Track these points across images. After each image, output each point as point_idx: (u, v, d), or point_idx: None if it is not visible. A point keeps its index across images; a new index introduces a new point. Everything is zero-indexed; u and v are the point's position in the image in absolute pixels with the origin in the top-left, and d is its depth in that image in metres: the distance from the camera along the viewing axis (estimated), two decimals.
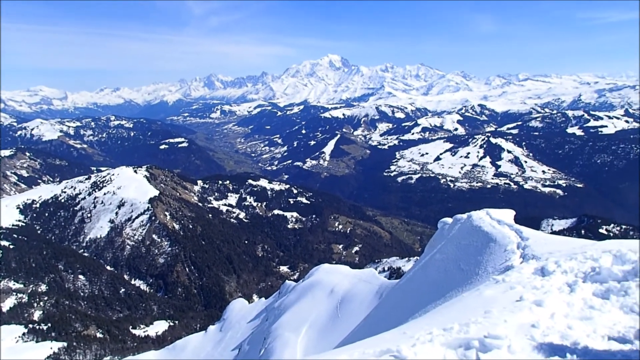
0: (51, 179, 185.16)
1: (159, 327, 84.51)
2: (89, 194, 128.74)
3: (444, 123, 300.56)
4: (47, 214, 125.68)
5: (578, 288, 7.61)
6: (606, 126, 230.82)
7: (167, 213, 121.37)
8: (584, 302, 7.02)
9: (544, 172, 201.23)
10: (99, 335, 73.43)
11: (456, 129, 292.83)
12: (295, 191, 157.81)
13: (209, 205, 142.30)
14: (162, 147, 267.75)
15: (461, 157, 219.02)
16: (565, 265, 9.08)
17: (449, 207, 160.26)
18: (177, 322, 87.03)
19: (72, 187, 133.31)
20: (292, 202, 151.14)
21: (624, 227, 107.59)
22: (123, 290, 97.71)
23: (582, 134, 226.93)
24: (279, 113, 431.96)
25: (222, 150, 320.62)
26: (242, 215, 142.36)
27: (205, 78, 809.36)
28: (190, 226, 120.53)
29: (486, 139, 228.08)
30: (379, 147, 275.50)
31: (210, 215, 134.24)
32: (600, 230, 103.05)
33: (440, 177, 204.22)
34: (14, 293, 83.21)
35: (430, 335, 6.25)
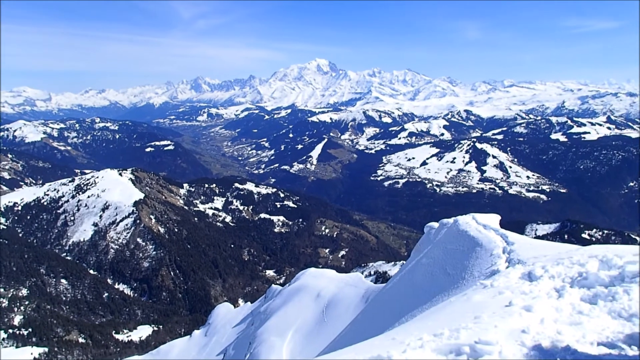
0: (34, 182, 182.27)
1: (143, 331, 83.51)
2: (73, 197, 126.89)
3: (430, 128, 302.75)
4: (29, 217, 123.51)
5: (566, 293, 7.64)
6: (589, 132, 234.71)
7: (152, 216, 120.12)
8: (573, 307, 7.05)
9: (528, 177, 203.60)
10: (81, 340, 72.29)
11: (442, 134, 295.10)
12: (282, 195, 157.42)
13: (195, 209, 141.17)
14: (148, 149, 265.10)
15: (447, 162, 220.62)
16: (552, 270, 9.13)
17: (435, 212, 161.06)
18: (161, 326, 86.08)
19: (55, 189, 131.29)
20: (278, 205, 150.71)
21: (605, 232, 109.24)
22: (106, 294, 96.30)
23: (566, 140, 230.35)
24: (267, 116, 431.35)
25: (209, 154, 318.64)
26: (228, 218, 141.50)
27: (193, 81, 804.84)
28: (176, 230, 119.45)
29: (472, 144, 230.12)
30: (366, 151, 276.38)
31: (196, 218, 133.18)
32: (583, 235, 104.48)
33: (426, 181, 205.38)
34: None
35: (421, 341, 6.20)
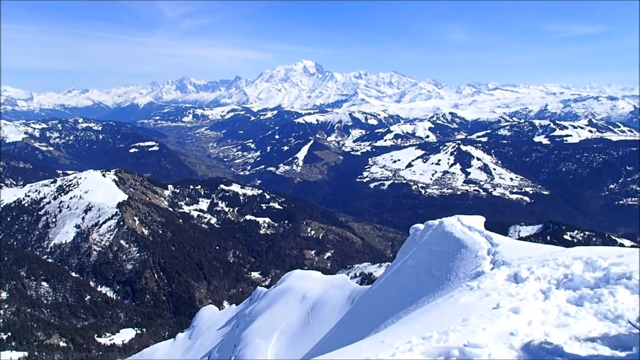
0: (14, 183, 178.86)
1: (126, 335, 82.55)
2: (54, 198, 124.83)
3: (415, 130, 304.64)
4: (9, 219, 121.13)
5: (552, 295, 7.67)
6: (571, 135, 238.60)
7: (136, 218, 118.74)
8: (559, 309, 7.07)
9: (511, 179, 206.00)
10: (62, 344, 71.10)
11: (428, 136, 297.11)
12: (267, 196, 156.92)
13: (180, 210, 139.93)
14: (132, 150, 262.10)
15: (432, 164, 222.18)
16: (538, 272, 9.16)
17: (420, 213, 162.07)
18: (144, 329, 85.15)
19: (36, 190, 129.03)
20: (264, 207, 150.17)
21: (587, 233, 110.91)
22: (88, 297, 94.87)
23: (549, 142, 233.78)
24: (253, 118, 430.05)
25: (194, 155, 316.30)
26: (213, 220, 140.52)
27: (178, 81, 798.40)
28: (160, 231, 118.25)
29: (456, 146, 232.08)
30: (352, 153, 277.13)
31: (180, 220, 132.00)
32: (565, 237, 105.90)
33: (411, 183, 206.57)
34: None
35: (410, 344, 6.16)
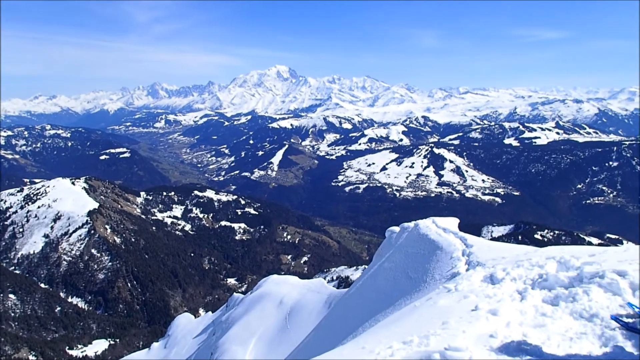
0: None
1: (99, 346, 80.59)
2: (22, 207, 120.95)
3: (389, 134, 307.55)
4: None
5: (528, 295, 7.76)
6: (539, 137, 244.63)
7: (107, 226, 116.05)
8: (536, 309, 7.16)
9: (483, 181, 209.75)
10: (31, 357, 68.80)
11: (401, 140, 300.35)
12: (243, 202, 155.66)
13: (153, 218, 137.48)
14: (103, 157, 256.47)
15: (406, 167, 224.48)
16: (513, 272, 9.27)
17: (395, 216, 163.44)
18: (118, 340, 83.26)
19: (2, 200, 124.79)
20: (239, 213, 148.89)
21: (556, 232, 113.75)
22: (59, 308, 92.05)
23: (518, 144, 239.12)
24: (226, 123, 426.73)
25: (167, 161, 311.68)
26: (187, 227, 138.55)
27: (149, 86, 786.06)
28: (133, 239, 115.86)
29: (430, 149, 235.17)
30: (327, 157, 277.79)
31: (154, 227, 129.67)
32: (535, 236, 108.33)
33: (386, 186, 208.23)
34: None
35: (391, 349, 6.12)
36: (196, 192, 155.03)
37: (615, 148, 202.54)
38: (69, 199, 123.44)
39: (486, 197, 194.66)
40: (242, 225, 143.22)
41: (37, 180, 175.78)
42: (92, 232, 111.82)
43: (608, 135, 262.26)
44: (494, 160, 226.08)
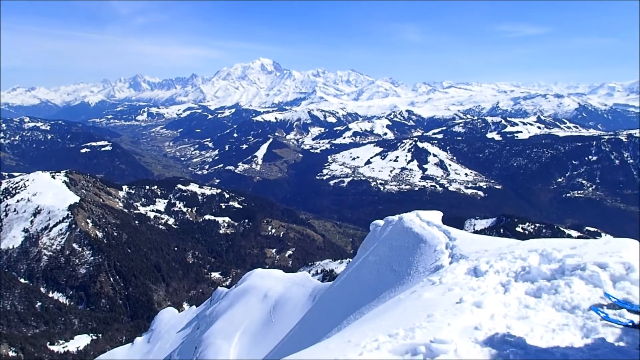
0: None
1: (80, 341, 79.71)
2: (0, 202, 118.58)
3: (374, 128, 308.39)
4: None
5: (512, 288, 7.85)
6: (521, 132, 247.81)
7: (89, 220, 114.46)
8: (519, 301, 7.25)
9: (466, 174, 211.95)
10: (11, 354, 67.77)
11: (385, 134, 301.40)
12: (227, 195, 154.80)
13: (135, 212, 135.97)
14: (83, 150, 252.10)
15: (390, 160, 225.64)
16: (497, 265, 9.36)
17: (380, 210, 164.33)
18: (100, 335, 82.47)
19: None
20: (223, 206, 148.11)
21: (537, 225, 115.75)
22: (39, 304, 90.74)
23: (500, 138, 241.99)
24: (210, 116, 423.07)
25: (150, 154, 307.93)
26: (171, 221, 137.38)
27: (131, 79, 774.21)
28: (115, 234, 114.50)
29: (413, 143, 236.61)
30: (312, 151, 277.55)
31: (136, 221, 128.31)
32: (517, 229, 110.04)
33: (370, 180, 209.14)
34: None
35: (377, 342, 6.14)
36: (179, 185, 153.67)
37: (594, 142, 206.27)
38: (49, 193, 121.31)
39: (469, 191, 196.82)
40: (227, 219, 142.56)
41: (15, 174, 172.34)
42: (73, 226, 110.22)
43: (588, 130, 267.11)
44: (476, 154, 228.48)
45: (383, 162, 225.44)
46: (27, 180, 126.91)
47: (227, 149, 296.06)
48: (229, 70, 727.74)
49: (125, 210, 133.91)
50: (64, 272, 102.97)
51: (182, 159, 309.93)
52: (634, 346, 5.55)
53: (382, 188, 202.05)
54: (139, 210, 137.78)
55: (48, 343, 76.50)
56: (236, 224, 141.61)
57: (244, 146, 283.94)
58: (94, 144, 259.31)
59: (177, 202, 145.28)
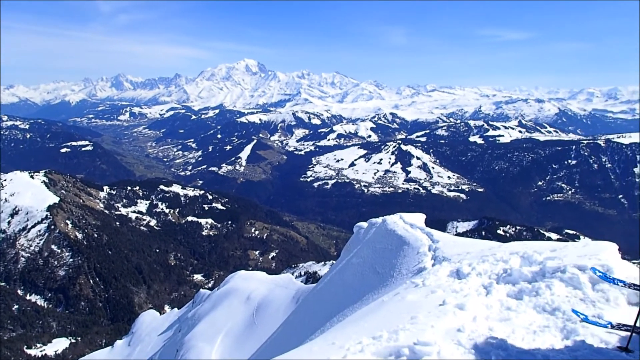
0: None
1: (59, 345, 78.27)
2: None
3: (358, 130, 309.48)
4: None
5: (494, 290, 7.94)
6: (503, 135, 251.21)
7: (68, 221, 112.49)
8: (501, 303, 7.33)
9: (449, 177, 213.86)
10: None
11: (369, 136, 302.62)
12: (210, 197, 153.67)
13: (117, 213, 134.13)
14: (64, 150, 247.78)
15: (374, 163, 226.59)
16: (479, 267, 9.46)
17: (363, 212, 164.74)
18: (79, 338, 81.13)
19: None
20: (206, 208, 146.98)
21: (518, 227, 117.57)
22: (16, 306, 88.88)
23: (483, 142, 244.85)
24: (194, 117, 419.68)
25: (132, 155, 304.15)
26: (153, 222, 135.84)
27: (113, 78, 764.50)
28: (95, 235, 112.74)
29: (397, 146, 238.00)
30: (296, 152, 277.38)
31: (117, 223, 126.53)
32: (498, 231, 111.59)
33: (354, 182, 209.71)
34: None
35: (361, 344, 6.15)
36: (162, 186, 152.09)
37: (574, 147, 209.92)
38: (27, 193, 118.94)
39: (451, 194, 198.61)
40: (209, 220, 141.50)
41: None
42: (52, 227, 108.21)
43: (567, 135, 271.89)
44: (459, 157, 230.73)
45: (367, 165, 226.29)
46: (5, 180, 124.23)
47: (210, 150, 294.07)
48: (213, 71, 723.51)
49: (106, 211, 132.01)
50: (42, 274, 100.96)
51: (165, 159, 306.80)
52: (612, 347, 5.66)
53: (365, 190, 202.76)
54: (120, 211, 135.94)
55: (25, 347, 74.98)
56: (219, 225, 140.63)
57: (228, 147, 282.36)
58: (74, 143, 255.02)
59: (160, 203, 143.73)
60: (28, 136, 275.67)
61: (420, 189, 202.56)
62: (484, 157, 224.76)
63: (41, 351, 75.36)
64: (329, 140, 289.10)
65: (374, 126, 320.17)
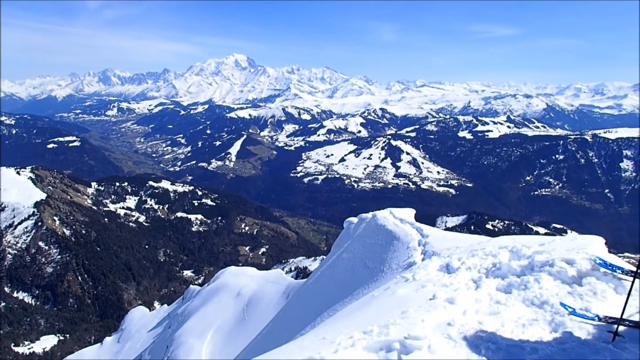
0: None
1: (47, 342, 77.60)
2: None
3: (348, 125, 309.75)
4: None
5: (483, 284, 8.00)
6: (492, 131, 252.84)
7: (56, 218, 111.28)
8: (490, 297, 7.39)
9: (438, 172, 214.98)
10: None
11: (359, 131, 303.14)
12: (199, 193, 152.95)
13: (105, 209, 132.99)
14: (50, 146, 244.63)
15: (364, 158, 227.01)
16: (468, 262, 9.52)
17: (353, 207, 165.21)
18: (68, 335, 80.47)
19: None
20: (196, 204, 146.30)
21: (506, 222, 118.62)
22: (3, 304, 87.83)
23: (471, 137, 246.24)
24: (183, 112, 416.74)
25: (120, 150, 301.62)
26: (142, 218, 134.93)
27: (101, 73, 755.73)
28: (83, 231, 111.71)
29: (387, 141, 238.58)
30: (286, 148, 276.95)
31: (106, 219, 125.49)
32: (487, 226, 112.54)
33: (344, 177, 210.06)
34: None
35: (352, 339, 6.16)
36: (151, 182, 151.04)
37: (561, 142, 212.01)
38: (13, 190, 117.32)
39: (441, 189, 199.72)
40: (199, 216, 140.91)
41: None
42: (40, 224, 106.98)
43: (555, 130, 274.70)
44: (448, 152, 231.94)
45: (357, 160, 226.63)
46: None
47: (200, 145, 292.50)
48: (202, 66, 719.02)
49: (94, 207, 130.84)
50: (29, 271, 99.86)
51: (154, 155, 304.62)
52: (600, 340, 5.74)
53: (355, 185, 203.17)
54: (108, 207, 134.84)
55: (12, 344, 74.22)
56: (209, 221, 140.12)
57: (217, 143, 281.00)
58: (61, 139, 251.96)
59: (148, 199, 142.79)
60: (14, 132, 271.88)
61: (410, 184, 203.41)
62: (473, 152, 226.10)
63: (29, 349, 74.71)
64: (319, 135, 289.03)
65: (364, 121, 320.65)
